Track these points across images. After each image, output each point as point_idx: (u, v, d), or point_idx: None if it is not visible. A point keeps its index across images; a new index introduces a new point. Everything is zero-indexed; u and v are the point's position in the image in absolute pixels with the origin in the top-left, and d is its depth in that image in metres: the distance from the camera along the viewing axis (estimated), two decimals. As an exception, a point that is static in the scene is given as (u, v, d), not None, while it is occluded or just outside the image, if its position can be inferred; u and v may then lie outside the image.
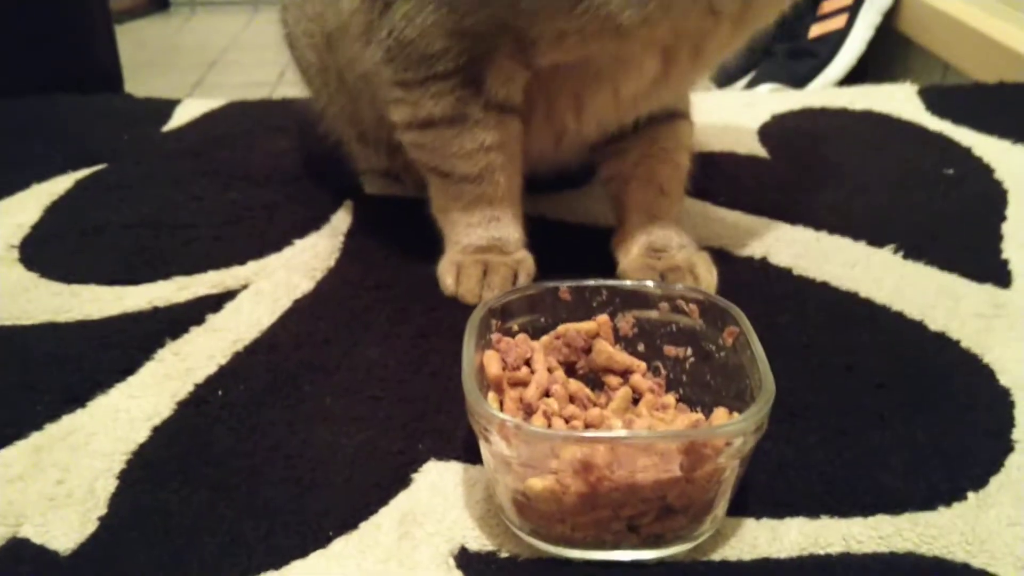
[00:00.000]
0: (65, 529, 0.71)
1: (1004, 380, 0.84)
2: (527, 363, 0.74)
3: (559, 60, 0.86)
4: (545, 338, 0.78)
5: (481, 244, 0.96)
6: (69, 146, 1.33)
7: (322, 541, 0.70)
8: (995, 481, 0.73)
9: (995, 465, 0.75)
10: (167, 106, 1.47)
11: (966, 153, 1.24)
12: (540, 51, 0.85)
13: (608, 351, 0.76)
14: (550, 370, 0.73)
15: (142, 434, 0.80)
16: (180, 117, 1.43)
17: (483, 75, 0.87)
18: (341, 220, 1.13)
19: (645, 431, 0.65)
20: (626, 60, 0.86)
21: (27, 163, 1.28)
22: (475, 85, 0.88)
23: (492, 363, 0.72)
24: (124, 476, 0.76)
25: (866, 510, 0.71)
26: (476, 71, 0.87)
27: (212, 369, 0.88)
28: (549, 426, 0.68)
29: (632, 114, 0.96)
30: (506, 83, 0.88)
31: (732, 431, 0.62)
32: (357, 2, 0.90)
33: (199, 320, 0.95)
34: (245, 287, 1.00)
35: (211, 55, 2.77)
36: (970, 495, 0.72)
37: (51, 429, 0.81)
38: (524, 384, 0.72)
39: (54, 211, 1.17)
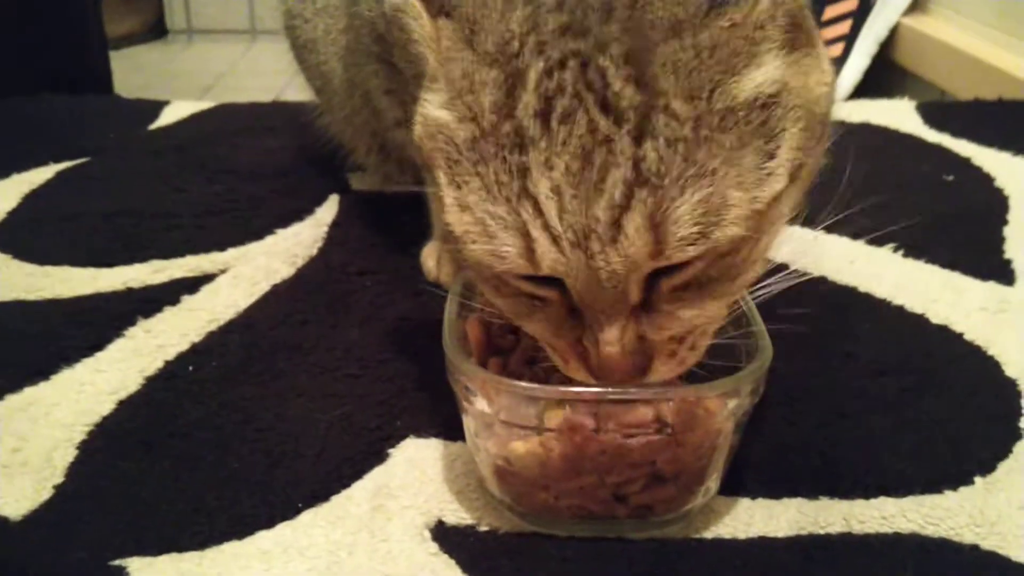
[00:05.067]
0: (18, 496, 0.67)
1: (1010, 371, 0.80)
2: (512, 331, 0.70)
3: None
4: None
5: None
6: (54, 142, 1.30)
7: (289, 512, 0.66)
8: (1003, 466, 0.70)
9: (1003, 450, 0.71)
10: (155, 106, 1.45)
11: (965, 162, 1.21)
12: None
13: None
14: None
15: (106, 407, 0.77)
16: (168, 117, 1.41)
17: None
18: (326, 212, 1.10)
19: (634, 388, 0.61)
20: None
21: (10, 156, 1.25)
22: None
23: (476, 330, 0.69)
24: (84, 446, 0.72)
25: (868, 491, 0.67)
26: None
27: (184, 347, 0.84)
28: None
29: None
30: None
31: (727, 389, 0.59)
32: None
33: (174, 301, 0.91)
34: (224, 271, 0.97)
35: (207, 81, 2.76)
36: (977, 479, 0.68)
37: (11, 400, 0.77)
38: (509, 351, 0.69)
39: (33, 198, 1.14)
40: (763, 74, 0.53)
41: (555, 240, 0.52)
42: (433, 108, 0.57)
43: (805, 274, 0.91)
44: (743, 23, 0.52)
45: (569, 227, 0.52)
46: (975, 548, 0.62)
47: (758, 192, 0.52)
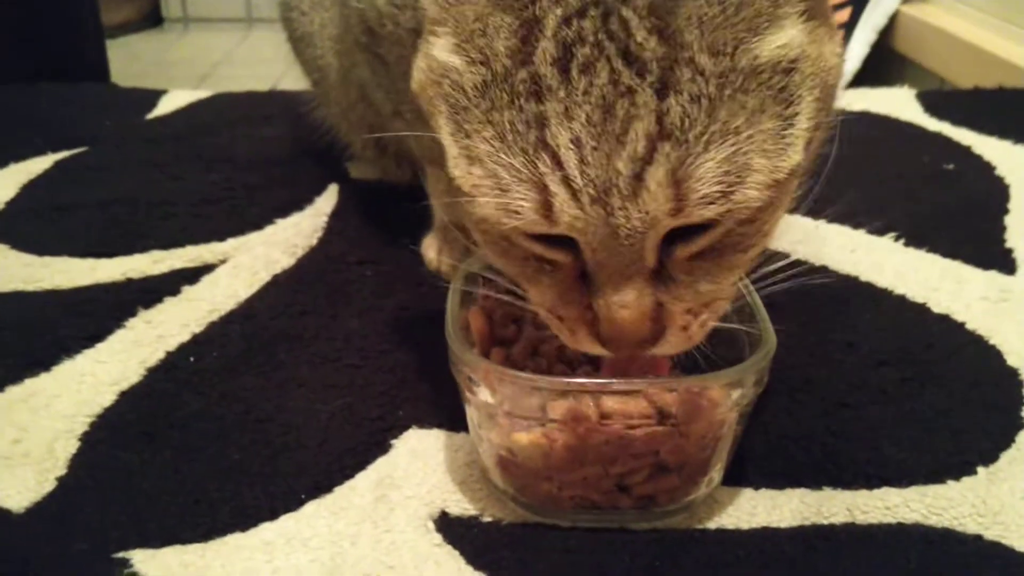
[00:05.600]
0: (20, 488, 0.67)
1: (1012, 360, 0.80)
2: (515, 322, 0.70)
3: None
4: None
5: None
6: (51, 131, 1.29)
7: (292, 503, 0.66)
8: (1006, 456, 0.69)
9: (1006, 440, 0.71)
10: (152, 95, 1.44)
11: (966, 151, 1.21)
12: None
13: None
14: (538, 328, 0.69)
15: (107, 398, 0.76)
16: (165, 106, 1.40)
17: None
18: (326, 202, 1.09)
19: (639, 378, 0.60)
20: None
21: (8, 146, 1.24)
22: None
23: (478, 320, 0.69)
24: (86, 438, 0.72)
25: (871, 481, 0.67)
26: None
27: (185, 337, 0.84)
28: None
29: None
30: None
31: (731, 379, 0.59)
32: None
33: (174, 291, 0.91)
34: (223, 261, 0.96)
35: (203, 69, 2.74)
36: (980, 469, 0.68)
37: (12, 391, 0.77)
38: (511, 342, 0.68)
39: (31, 188, 1.13)
40: (785, 37, 0.52)
41: (575, 194, 0.51)
42: (439, 51, 0.56)
43: (809, 268, 0.91)
44: None
45: (590, 181, 0.50)
46: (978, 538, 0.62)
47: (779, 160, 0.52)
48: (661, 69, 0.50)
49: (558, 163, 0.50)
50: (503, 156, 0.52)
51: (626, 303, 0.54)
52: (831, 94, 0.57)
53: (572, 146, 0.50)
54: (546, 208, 0.51)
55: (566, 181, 0.50)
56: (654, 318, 0.55)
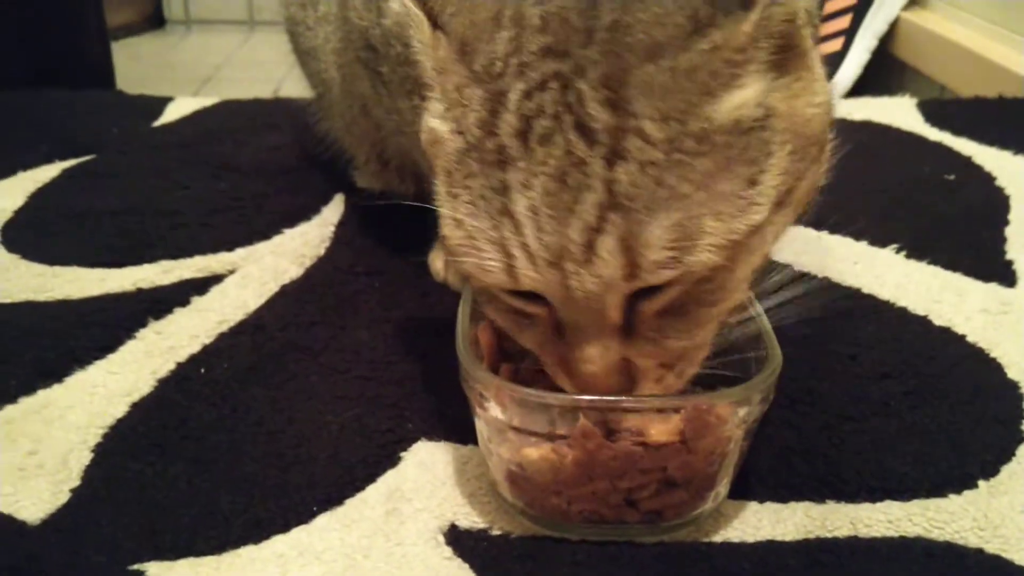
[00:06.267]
0: (35, 499, 0.68)
1: (1012, 373, 0.81)
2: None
3: None
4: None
5: None
6: (58, 138, 1.30)
7: (305, 516, 0.67)
8: (1006, 469, 0.71)
9: (1006, 454, 0.72)
10: (159, 103, 1.45)
11: (967, 161, 1.22)
12: None
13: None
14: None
15: (120, 409, 0.77)
16: (171, 113, 1.41)
17: None
18: (332, 211, 1.10)
19: (647, 396, 0.61)
20: None
21: (14, 152, 1.25)
22: None
23: (487, 335, 0.70)
24: (99, 449, 0.73)
25: (874, 495, 0.68)
26: None
27: (195, 348, 0.85)
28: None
29: None
30: None
31: (738, 397, 0.60)
32: None
33: (184, 302, 0.92)
34: (232, 272, 0.97)
35: (206, 71, 2.75)
36: (981, 482, 0.69)
37: (25, 402, 0.78)
38: (520, 357, 0.69)
39: (39, 197, 1.14)
40: (743, 96, 0.52)
41: (532, 258, 0.53)
42: (431, 117, 0.58)
43: (818, 285, 0.92)
44: (724, 45, 0.52)
45: (545, 247, 0.53)
46: (979, 552, 0.63)
47: (735, 222, 0.52)
48: (611, 139, 0.51)
49: (517, 229, 0.53)
50: (476, 220, 0.55)
51: (591, 359, 0.56)
52: (815, 142, 0.57)
53: (530, 213, 0.53)
54: (510, 268, 0.54)
55: (524, 246, 0.53)
56: (621, 371, 0.57)
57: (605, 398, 0.58)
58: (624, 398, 0.58)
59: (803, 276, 0.93)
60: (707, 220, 0.51)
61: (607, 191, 0.51)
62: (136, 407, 0.77)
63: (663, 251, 0.51)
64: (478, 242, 0.55)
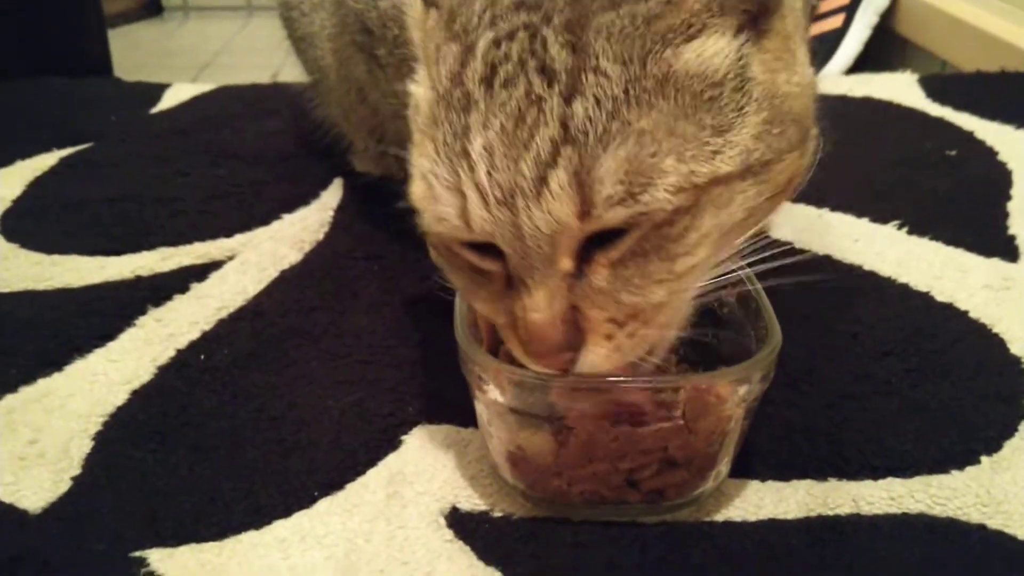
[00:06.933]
0: (36, 488, 0.68)
1: (1015, 349, 0.81)
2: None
3: None
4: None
5: None
6: (56, 126, 1.30)
7: (306, 501, 0.67)
8: (1009, 445, 0.70)
9: (1009, 430, 0.72)
10: (156, 89, 1.44)
11: (968, 136, 1.21)
12: None
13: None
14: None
15: (120, 397, 0.77)
16: (169, 100, 1.41)
17: None
18: (331, 196, 1.10)
19: (646, 376, 0.61)
20: None
21: (13, 142, 1.25)
22: None
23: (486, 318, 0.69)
24: (99, 437, 0.73)
25: (876, 472, 0.68)
26: None
27: (195, 335, 0.85)
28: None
29: None
30: None
31: (738, 376, 0.59)
32: None
33: (183, 289, 0.92)
34: (231, 258, 0.97)
35: (204, 58, 2.74)
36: (983, 459, 0.69)
37: (25, 391, 0.78)
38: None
39: (37, 186, 1.14)
40: (705, 46, 0.54)
41: (484, 198, 0.54)
42: (414, 85, 0.60)
43: (812, 257, 0.92)
44: (680, 4, 0.54)
45: (496, 184, 0.53)
46: (982, 527, 0.63)
47: (697, 165, 0.53)
48: (570, 77, 0.53)
49: (472, 169, 0.54)
50: (436, 167, 0.56)
51: (537, 306, 0.56)
52: (794, 121, 0.57)
53: (484, 152, 0.53)
54: (464, 213, 0.55)
55: (477, 186, 0.54)
56: (568, 321, 0.56)
57: (604, 379, 0.58)
58: (623, 378, 0.58)
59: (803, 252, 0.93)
60: (666, 159, 0.52)
61: (562, 126, 0.52)
62: (136, 395, 0.77)
63: (617, 185, 0.51)
64: (436, 189, 0.55)
